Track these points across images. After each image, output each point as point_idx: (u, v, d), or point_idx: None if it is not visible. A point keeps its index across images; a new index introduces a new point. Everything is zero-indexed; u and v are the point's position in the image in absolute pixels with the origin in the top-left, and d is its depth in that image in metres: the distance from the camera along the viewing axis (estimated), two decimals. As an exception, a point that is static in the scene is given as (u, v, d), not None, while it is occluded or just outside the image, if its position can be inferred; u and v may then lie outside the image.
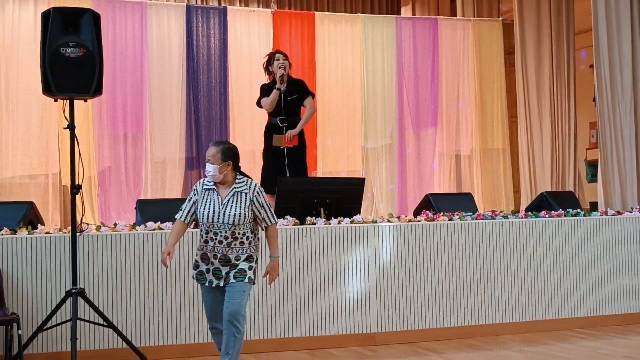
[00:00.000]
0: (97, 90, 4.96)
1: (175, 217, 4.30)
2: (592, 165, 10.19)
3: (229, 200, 4.18)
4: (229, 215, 4.14)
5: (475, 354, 5.35)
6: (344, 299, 5.66)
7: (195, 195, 4.27)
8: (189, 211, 4.26)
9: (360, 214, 6.05)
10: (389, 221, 5.96)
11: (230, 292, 4.12)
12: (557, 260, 6.24)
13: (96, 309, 4.90)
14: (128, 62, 8.51)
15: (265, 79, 7.02)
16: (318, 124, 9.04)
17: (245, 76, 8.85)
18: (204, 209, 4.19)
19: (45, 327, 4.87)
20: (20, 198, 7.75)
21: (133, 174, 8.52)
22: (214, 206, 4.18)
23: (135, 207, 6.02)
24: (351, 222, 5.77)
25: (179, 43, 8.70)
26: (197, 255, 4.27)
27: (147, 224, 5.41)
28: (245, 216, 4.17)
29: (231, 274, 4.14)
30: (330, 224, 5.72)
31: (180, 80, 8.68)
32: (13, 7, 8.20)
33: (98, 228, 5.36)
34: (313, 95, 6.98)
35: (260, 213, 4.25)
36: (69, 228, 5.09)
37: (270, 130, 6.81)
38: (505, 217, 6.27)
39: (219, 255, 4.16)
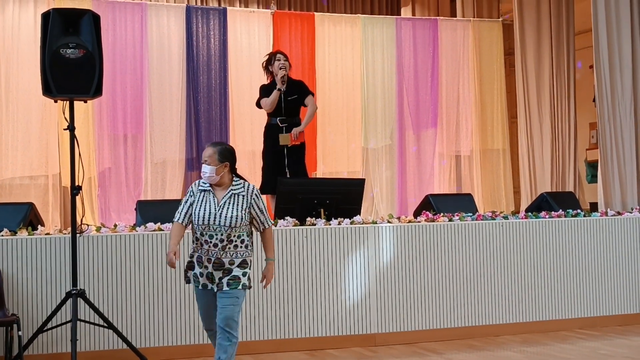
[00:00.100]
0: (97, 91, 4.96)
1: (173, 220, 4.20)
2: (592, 166, 10.20)
3: (225, 202, 4.09)
4: (225, 217, 4.05)
5: (476, 355, 5.35)
6: (344, 299, 5.66)
7: (191, 196, 4.17)
8: (186, 213, 4.15)
9: (360, 214, 6.06)
10: (389, 222, 5.96)
11: (222, 299, 4.04)
12: (557, 261, 6.24)
13: (96, 310, 4.90)
14: (128, 63, 8.52)
15: (265, 80, 7.03)
16: (318, 125, 9.04)
17: (245, 77, 8.85)
18: (200, 210, 4.09)
19: (46, 328, 4.87)
20: (20, 199, 7.76)
21: (133, 174, 8.52)
22: (209, 208, 4.08)
23: (135, 208, 6.03)
24: (351, 223, 5.77)
25: (179, 44, 8.71)
26: (190, 257, 4.18)
27: (147, 224, 5.41)
28: (242, 219, 4.08)
29: (224, 281, 4.04)
30: (330, 224, 5.73)
31: (180, 81, 8.69)
32: (13, 8, 8.20)
33: (98, 229, 5.36)
34: (313, 94, 6.99)
35: (258, 217, 4.18)
36: (69, 229, 5.10)
37: (270, 131, 6.81)
38: (506, 217, 6.27)
39: (212, 259, 4.06)
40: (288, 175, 6.62)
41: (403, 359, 5.29)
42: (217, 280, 4.06)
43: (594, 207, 7.67)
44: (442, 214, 6.16)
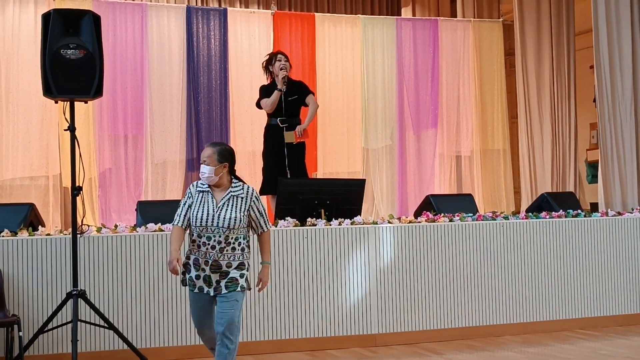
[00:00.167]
0: (98, 92, 4.96)
1: (173, 223, 4.14)
2: (593, 166, 10.19)
3: (224, 203, 4.04)
4: (224, 218, 4.00)
5: (476, 355, 5.35)
6: (344, 300, 5.66)
7: (189, 198, 4.11)
8: (185, 215, 4.08)
9: (360, 215, 6.05)
10: (389, 222, 5.96)
11: (222, 302, 3.98)
12: (557, 261, 6.24)
13: (97, 311, 4.90)
14: (128, 63, 8.52)
15: (265, 80, 7.03)
16: (318, 125, 9.04)
17: (246, 77, 8.85)
18: (198, 211, 4.03)
19: (46, 328, 4.87)
20: (20, 200, 7.76)
21: (133, 175, 8.52)
22: (208, 209, 4.03)
23: (135, 209, 6.03)
24: (352, 224, 5.77)
25: (179, 44, 8.71)
26: (187, 258, 4.11)
27: (148, 225, 5.41)
28: (240, 220, 4.03)
29: (222, 284, 4.00)
30: (330, 225, 5.73)
31: (181, 81, 8.68)
32: (13, 9, 8.20)
33: (99, 230, 5.37)
34: (313, 94, 7.00)
35: (258, 219, 4.13)
36: (70, 230, 5.10)
37: (271, 131, 6.81)
38: (506, 218, 6.27)
39: (210, 262, 4.00)
40: (288, 176, 6.62)
41: (403, 359, 5.30)
42: (214, 284, 4.02)
43: (594, 207, 7.67)
44: (442, 215, 6.16)
